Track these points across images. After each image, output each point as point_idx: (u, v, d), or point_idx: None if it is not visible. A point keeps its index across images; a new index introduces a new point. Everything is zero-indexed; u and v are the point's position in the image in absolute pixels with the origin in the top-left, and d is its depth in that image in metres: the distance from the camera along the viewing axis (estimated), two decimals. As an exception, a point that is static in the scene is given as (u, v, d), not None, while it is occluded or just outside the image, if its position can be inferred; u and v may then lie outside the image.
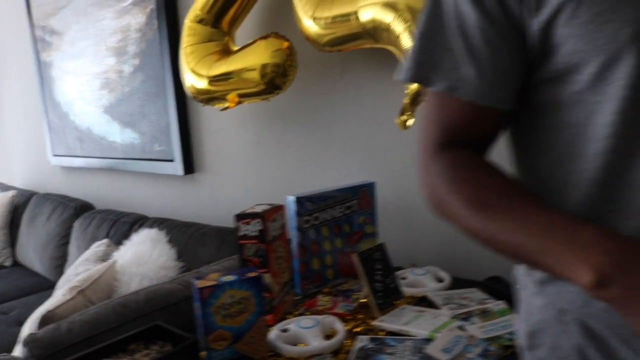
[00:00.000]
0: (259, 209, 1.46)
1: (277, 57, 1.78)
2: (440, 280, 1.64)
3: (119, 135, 2.89)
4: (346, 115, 1.93)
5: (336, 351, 1.29)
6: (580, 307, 0.69)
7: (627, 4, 0.58)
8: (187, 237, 2.21)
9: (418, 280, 1.63)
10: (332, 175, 1.89)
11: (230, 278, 1.26)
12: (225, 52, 1.95)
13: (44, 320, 1.52)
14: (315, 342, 1.30)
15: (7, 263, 3.44)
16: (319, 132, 2.03)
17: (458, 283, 1.63)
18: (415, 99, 1.51)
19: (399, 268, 1.73)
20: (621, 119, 0.61)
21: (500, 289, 1.51)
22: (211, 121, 2.42)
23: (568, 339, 0.71)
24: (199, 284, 1.24)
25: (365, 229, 1.76)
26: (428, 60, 0.72)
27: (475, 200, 0.68)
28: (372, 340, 1.31)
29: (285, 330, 1.36)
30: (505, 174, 0.72)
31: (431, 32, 0.72)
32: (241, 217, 1.44)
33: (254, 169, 2.29)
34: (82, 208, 3.03)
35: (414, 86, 1.49)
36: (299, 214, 1.60)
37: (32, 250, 3.19)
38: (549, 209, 0.65)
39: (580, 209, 0.66)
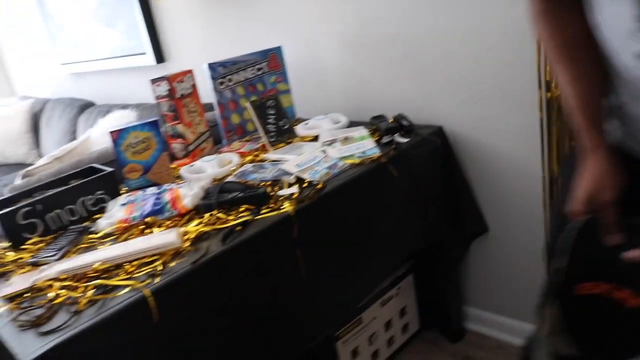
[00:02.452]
0: (167, 74, 1.80)
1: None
2: (337, 122, 1.96)
3: (102, 38, 3.25)
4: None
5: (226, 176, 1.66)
6: None
7: None
8: (154, 114, 2.59)
9: (317, 124, 1.96)
10: (257, 42, 2.20)
11: (133, 123, 1.62)
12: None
13: (25, 176, 1.95)
14: (210, 170, 1.67)
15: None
16: (242, 6, 2.32)
17: (353, 124, 1.95)
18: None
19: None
20: None
21: (378, 123, 1.82)
22: (168, 14, 2.73)
23: None
24: (112, 130, 1.61)
25: (278, 87, 2.08)
26: None
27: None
28: (254, 165, 1.67)
29: (192, 165, 1.74)
30: (575, 33, 0.97)
31: None
32: (153, 81, 1.79)
33: (210, 50, 2.61)
34: (84, 106, 3.47)
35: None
36: (213, 77, 1.93)
37: (50, 146, 3.67)
38: (578, 95, 0.99)
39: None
